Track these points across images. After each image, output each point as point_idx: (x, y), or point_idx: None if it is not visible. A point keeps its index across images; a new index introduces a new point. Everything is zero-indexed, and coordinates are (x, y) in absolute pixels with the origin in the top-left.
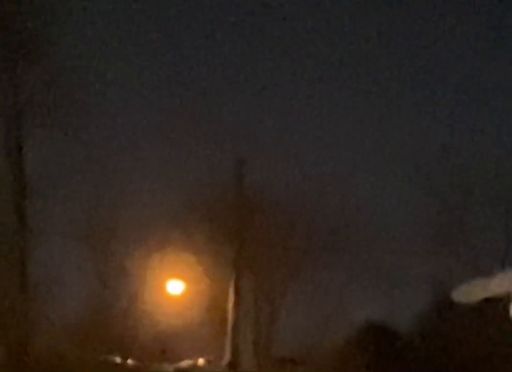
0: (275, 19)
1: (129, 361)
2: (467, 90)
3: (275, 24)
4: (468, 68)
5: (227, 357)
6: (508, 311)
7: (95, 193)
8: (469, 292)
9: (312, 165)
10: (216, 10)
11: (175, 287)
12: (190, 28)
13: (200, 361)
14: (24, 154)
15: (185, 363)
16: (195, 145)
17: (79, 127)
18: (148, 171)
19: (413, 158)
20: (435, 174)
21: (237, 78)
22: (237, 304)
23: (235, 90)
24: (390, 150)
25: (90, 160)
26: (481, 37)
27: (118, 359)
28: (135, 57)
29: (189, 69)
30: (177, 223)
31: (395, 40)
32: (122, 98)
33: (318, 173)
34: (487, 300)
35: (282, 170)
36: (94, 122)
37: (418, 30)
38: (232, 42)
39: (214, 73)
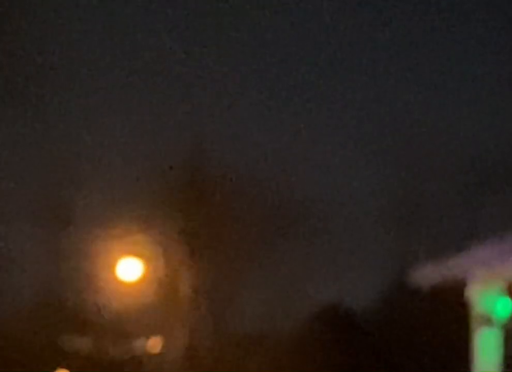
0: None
1: (83, 341)
2: (441, 71)
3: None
4: (448, 51)
5: (184, 336)
6: (464, 293)
7: (51, 173)
8: (427, 274)
9: (271, 146)
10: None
11: (131, 267)
12: (152, 6)
13: (155, 340)
14: None
15: (139, 342)
16: (153, 124)
17: (36, 107)
18: (106, 149)
19: (375, 138)
20: (395, 157)
21: (200, 57)
22: (194, 283)
23: (197, 68)
24: (351, 130)
25: (46, 140)
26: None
27: (72, 340)
28: (94, 34)
29: (149, 47)
30: (134, 203)
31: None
32: (80, 77)
33: (277, 154)
34: (444, 282)
35: (241, 151)
36: (51, 101)
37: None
38: (192, 22)
39: (176, 51)
